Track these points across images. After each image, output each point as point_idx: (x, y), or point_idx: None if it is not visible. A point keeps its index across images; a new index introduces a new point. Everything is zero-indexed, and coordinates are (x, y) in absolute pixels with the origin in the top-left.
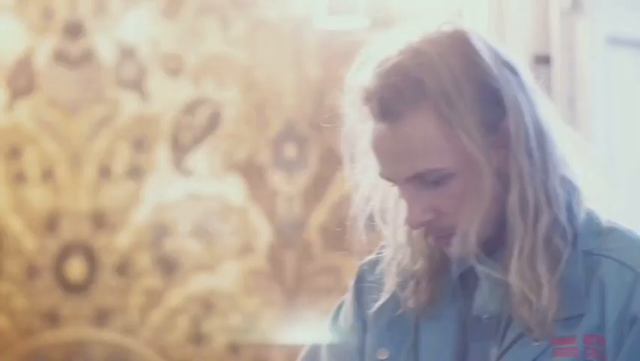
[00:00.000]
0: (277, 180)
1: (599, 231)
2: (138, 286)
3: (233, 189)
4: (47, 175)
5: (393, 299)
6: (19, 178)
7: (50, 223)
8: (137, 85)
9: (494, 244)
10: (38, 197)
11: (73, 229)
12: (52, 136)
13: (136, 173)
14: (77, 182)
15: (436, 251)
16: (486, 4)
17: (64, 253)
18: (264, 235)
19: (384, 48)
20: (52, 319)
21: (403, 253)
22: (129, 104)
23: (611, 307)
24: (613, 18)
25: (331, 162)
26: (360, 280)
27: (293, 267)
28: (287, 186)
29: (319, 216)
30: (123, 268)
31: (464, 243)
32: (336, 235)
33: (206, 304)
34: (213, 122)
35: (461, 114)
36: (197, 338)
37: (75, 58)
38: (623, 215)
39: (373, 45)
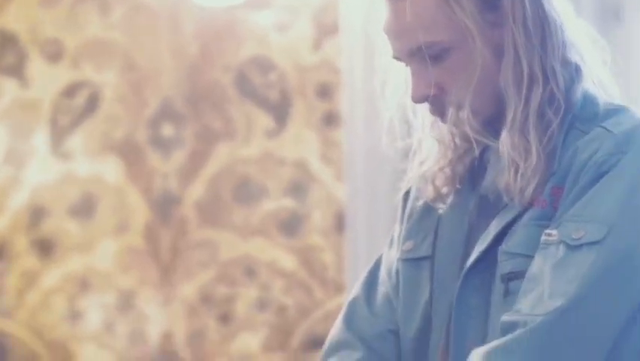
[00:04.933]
0: (154, 158)
1: (599, 112)
2: (15, 269)
3: (111, 170)
4: None
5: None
6: None
7: None
8: (17, 71)
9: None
10: None
11: None
12: None
13: (15, 157)
14: None
15: (458, 140)
16: None
17: None
18: (140, 213)
19: None
20: None
21: (427, 142)
22: (9, 90)
23: (576, 162)
24: None
25: (207, 138)
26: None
27: (168, 243)
28: (163, 164)
29: (195, 192)
30: (0, 252)
31: (458, 113)
32: (212, 210)
33: (83, 284)
34: (92, 105)
35: None
36: (73, 317)
37: None
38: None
39: None
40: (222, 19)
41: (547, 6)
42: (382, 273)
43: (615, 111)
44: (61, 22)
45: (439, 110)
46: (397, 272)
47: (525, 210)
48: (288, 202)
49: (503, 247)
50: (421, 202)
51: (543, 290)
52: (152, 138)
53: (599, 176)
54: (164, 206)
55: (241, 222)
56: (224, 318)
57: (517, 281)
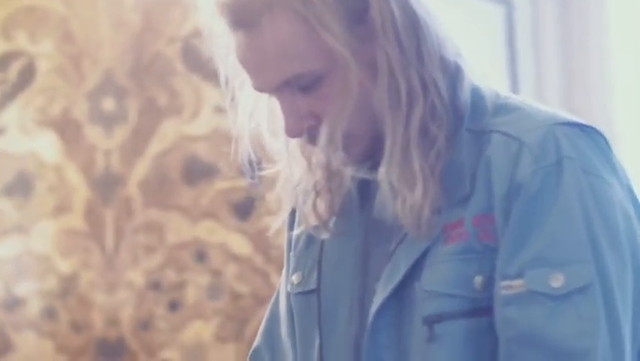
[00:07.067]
0: (94, 134)
1: (489, 108)
2: None
3: (47, 146)
4: None
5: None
6: None
7: None
8: None
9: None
10: None
11: None
12: None
13: None
14: None
15: (332, 160)
16: None
17: None
18: (80, 192)
19: None
20: None
21: (298, 166)
22: None
23: (496, 183)
24: None
25: (152, 114)
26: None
27: (112, 225)
28: (105, 141)
29: (140, 171)
30: None
31: (330, 139)
32: (158, 190)
33: (20, 268)
34: (26, 77)
35: (319, 11)
36: (11, 303)
37: None
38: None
39: None
40: None
41: (415, 6)
42: (282, 310)
43: (504, 107)
44: None
45: (314, 138)
46: (291, 308)
47: (436, 240)
48: (240, 182)
49: (422, 284)
50: (303, 227)
51: (551, 353)
52: (92, 112)
53: (533, 200)
54: (107, 186)
55: (190, 204)
56: (174, 306)
57: (443, 324)
